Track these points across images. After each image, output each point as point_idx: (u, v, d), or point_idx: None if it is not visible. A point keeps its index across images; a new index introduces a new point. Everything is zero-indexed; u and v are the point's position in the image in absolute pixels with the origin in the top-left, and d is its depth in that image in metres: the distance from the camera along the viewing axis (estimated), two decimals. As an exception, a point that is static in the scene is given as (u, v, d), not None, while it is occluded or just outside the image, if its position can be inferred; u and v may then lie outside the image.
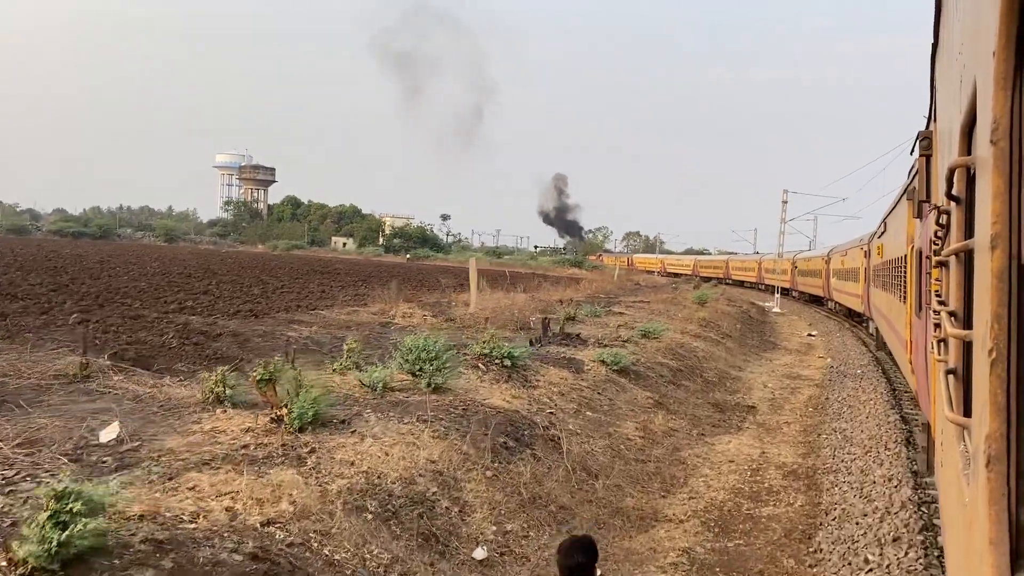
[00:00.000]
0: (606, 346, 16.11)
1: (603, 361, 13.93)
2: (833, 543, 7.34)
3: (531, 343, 15.79)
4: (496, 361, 11.92)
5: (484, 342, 12.24)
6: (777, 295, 49.23)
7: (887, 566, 6.42)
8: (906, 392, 14.35)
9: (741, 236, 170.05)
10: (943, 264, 3.24)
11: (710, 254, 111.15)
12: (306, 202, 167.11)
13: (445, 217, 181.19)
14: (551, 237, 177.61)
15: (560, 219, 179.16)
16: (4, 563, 3.97)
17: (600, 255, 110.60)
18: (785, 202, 48.61)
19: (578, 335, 16.86)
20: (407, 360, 10.24)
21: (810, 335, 32.45)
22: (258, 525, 5.26)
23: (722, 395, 15.39)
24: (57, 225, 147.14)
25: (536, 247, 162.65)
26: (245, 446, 6.70)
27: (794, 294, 52.96)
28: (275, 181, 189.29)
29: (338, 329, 16.43)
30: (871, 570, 6.43)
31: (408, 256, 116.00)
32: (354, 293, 26.87)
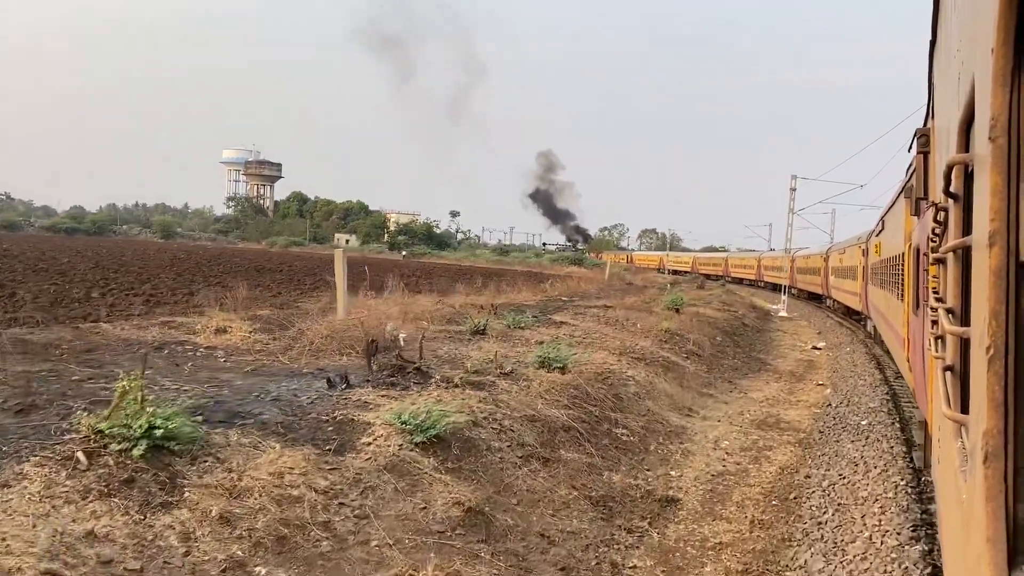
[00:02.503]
0: (457, 386, 10.14)
1: (403, 425, 7.91)
2: None
3: (330, 383, 9.84)
4: (124, 446, 5.98)
5: (106, 413, 6.28)
6: (784, 296, 42.80)
7: None
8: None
9: (755, 232, 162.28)
10: (941, 261, 3.18)
11: (727, 251, 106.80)
12: (312, 198, 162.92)
13: (454, 214, 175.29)
14: (562, 235, 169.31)
15: (549, 204, 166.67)
16: None
17: (600, 253, 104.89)
18: (794, 189, 42.19)
19: (417, 368, 10.81)
20: None
21: (815, 348, 26.20)
22: None
23: (629, 474, 9.29)
24: (51, 221, 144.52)
25: (544, 244, 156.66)
26: None
27: (793, 291, 49.49)
28: (281, 177, 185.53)
29: (43, 357, 10.53)
30: None
31: (404, 253, 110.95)
32: (223, 296, 21.00)
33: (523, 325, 18.42)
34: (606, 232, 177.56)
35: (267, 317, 16.10)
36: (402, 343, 14.49)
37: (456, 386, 10.19)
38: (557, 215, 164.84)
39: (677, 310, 23.68)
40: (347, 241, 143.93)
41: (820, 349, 26.23)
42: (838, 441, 11.26)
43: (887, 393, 14.53)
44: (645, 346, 17.42)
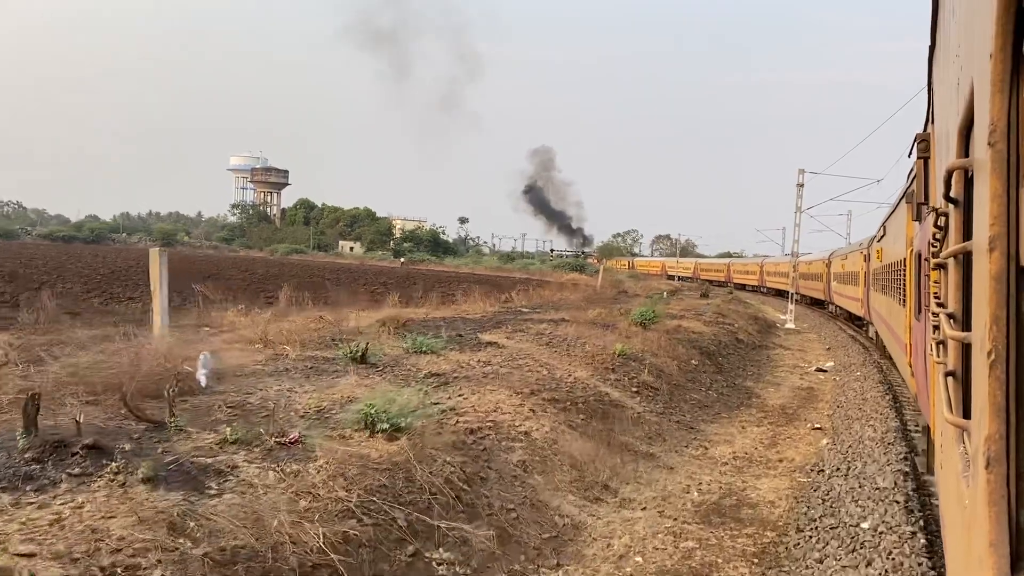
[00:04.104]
0: (145, 480, 5.76)
1: None
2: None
3: None
4: None
5: None
6: (791, 306, 38.05)
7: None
8: None
9: (767, 236, 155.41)
10: (942, 266, 3.19)
11: (742, 257, 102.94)
12: (320, 205, 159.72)
13: (463, 220, 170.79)
14: (559, 236, 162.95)
15: (544, 204, 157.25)
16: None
17: (599, 258, 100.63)
18: (801, 185, 37.40)
19: (92, 445, 6.37)
20: None
21: (820, 370, 21.61)
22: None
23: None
24: (48, 229, 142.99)
25: (552, 250, 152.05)
26: None
27: (796, 297, 45.39)
28: (288, 184, 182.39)
29: None
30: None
31: (402, 260, 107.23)
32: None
33: (427, 348, 14.09)
34: (619, 238, 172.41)
35: (49, 341, 11.79)
36: (203, 383, 10.17)
37: (145, 480, 5.82)
38: (552, 215, 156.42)
39: (644, 325, 19.14)
40: (351, 248, 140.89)
41: (826, 371, 21.65)
42: (822, 560, 6.72)
43: (905, 457, 9.92)
44: (580, 378, 13.00)
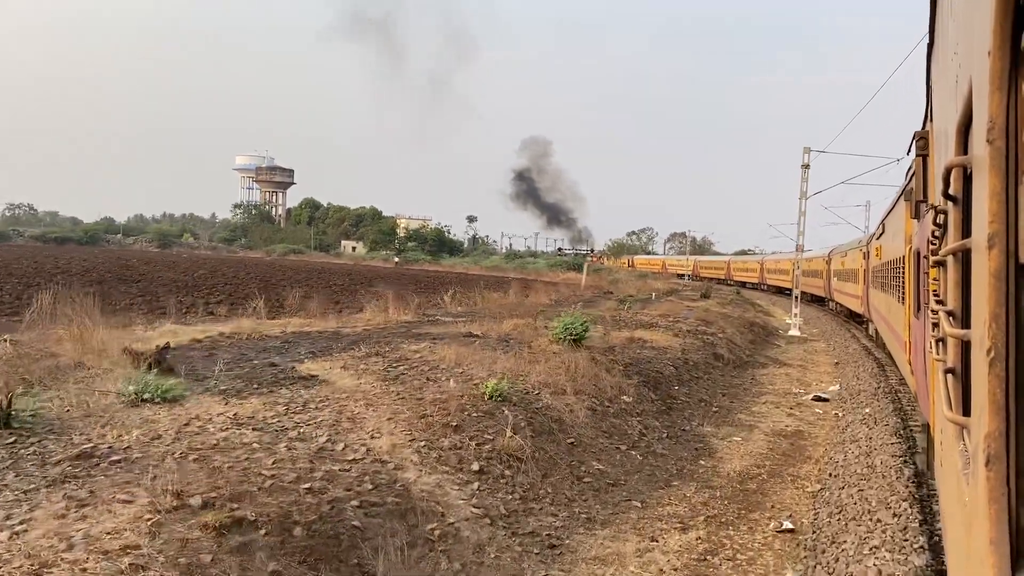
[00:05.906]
0: None
1: None
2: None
3: None
4: None
5: None
6: (796, 309, 32.16)
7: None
8: None
9: (780, 231, 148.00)
10: (941, 264, 3.19)
11: (755, 253, 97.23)
12: (325, 205, 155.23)
13: (472, 219, 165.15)
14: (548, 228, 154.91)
15: (535, 197, 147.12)
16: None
17: (600, 257, 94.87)
18: (807, 166, 31.55)
19: None
20: None
21: (818, 398, 16.02)
22: None
23: None
24: (41, 231, 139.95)
25: (559, 249, 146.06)
26: None
27: (799, 297, 42.03)
28: (293, 183, 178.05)
29: None
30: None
31: (396, 260, 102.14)
32: None
33: (161, 395, 8.80)
34: (634, 236, 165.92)
35: None
36: None
37: None
38: (544, 208, 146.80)
39: (564, 341, 13.60)
40: (353, 248, 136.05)
41: (827, 399, 16.06)
42: None
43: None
44: (379, 448, 7.82)
